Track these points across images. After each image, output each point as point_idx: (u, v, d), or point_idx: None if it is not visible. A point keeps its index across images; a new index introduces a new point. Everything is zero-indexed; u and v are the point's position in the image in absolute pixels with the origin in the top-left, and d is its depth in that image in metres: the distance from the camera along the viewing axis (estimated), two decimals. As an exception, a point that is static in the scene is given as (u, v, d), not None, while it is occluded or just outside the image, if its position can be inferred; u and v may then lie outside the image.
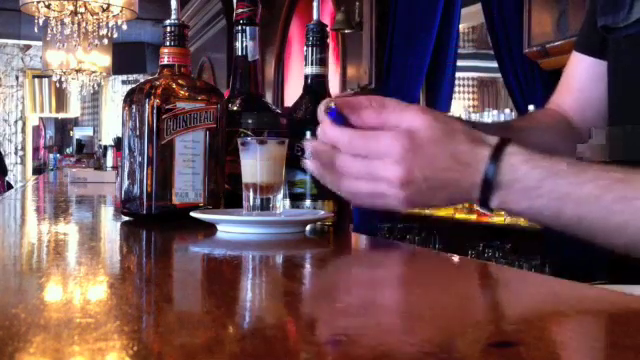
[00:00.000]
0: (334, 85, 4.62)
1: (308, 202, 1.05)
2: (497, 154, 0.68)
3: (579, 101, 1.11)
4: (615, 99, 1.00)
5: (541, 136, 1.04)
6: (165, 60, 1.00)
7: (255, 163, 0.86)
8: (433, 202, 0.70)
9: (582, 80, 1.11)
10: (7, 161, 9.78)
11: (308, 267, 0.68)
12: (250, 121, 1.06)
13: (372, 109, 0.68)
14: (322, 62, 1.09)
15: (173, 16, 1.01)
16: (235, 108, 1.08)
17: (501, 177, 0.68)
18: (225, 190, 0.99)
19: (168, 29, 1.00)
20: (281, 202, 0.88)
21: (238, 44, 1.10)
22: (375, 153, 0.67)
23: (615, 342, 0.39)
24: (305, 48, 1.10)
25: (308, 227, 0.89)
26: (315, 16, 1.10)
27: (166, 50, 1.00)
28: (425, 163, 0.67)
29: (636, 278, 0.74)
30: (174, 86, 0.96)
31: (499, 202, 0.69)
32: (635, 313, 0.46)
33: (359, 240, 0.88)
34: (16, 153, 10.92)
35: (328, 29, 1.11)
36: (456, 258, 0.69)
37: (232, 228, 0.84)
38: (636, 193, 0.65)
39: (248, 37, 1.09)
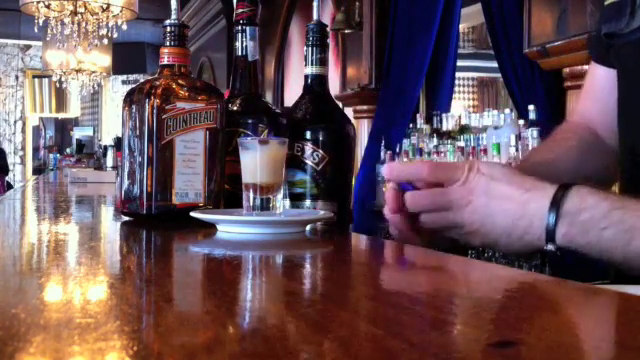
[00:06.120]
0: (334, 85, 4.62)
1: (308, 202, 1.05)
2: (565, 184, 0.69)
3: (602, 110, 1.08)
4: (620, 106, 0.99)
5: (567, 161, 1.00)
6: (165, 60, 1.00)
7: (255, 163, 0.86)
8: (495, 230, 0.75)
9: (601, 89, 1.09)
10: (7, 161, 9.78)
11: (308, 267, 0.68)
12: (250, 121, 1.06)
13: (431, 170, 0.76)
14: (322, 62, 1.09)
15: (173, 16, 1.01)
16: (235, 108, 1.08)
17: (568, 205, 0.68)
18: (225, 190, 0.99)
19: (168, 29, 1.00)
20: (281, 202, 0.88)
21: (238, 44, 1.10)
22: (450, 203, 0.75)
23: (616, 342, 0.39)
24: (305, 48, 1.10)
25: (308, 227, 0.89)
26: (315, 16, 1.10)
27: (166, 50, 1.00)
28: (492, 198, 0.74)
29: (636, 278, 0.74)
30: (174, 86, 0.96)
31: (565, 231, 0.68)
32: (636, 313, 0.46)
33: (359, 240, 0.88)
34: (16, 153, 10.92)
35: (328, 29, 1.12)
36: (456, 257, 0.69)
37: (232, 228, 0.84)
38: None
39: (248, 37, 1.09)
